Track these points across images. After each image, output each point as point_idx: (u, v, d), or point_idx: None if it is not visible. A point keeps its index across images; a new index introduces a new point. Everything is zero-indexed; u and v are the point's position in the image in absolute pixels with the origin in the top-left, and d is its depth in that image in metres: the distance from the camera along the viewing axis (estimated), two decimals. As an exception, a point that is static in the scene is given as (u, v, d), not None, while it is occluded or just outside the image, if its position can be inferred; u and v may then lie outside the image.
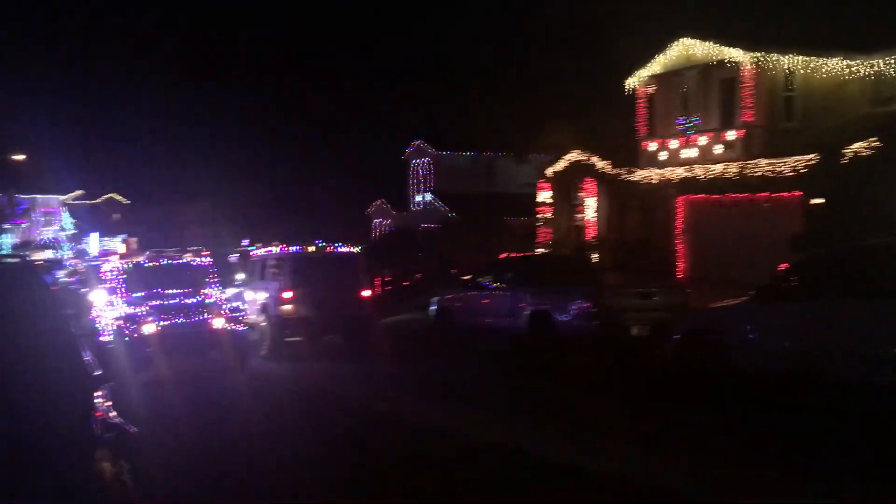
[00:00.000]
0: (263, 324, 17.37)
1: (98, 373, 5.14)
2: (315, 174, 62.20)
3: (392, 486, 7.47)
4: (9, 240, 52.43)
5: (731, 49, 23.38)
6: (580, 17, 31.47)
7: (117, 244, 51.14)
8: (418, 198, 46.88)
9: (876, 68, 23.03)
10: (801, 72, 23.39)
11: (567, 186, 30.82)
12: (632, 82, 26.47)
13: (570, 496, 7.04)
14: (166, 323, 14.15)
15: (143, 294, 14.80)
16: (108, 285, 15.67)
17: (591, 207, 29.50)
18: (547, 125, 29.88)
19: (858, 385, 9.16)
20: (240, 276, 19.73)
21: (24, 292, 5.50)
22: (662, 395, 11.41)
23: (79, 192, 61.56)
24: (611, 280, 23.30)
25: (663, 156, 25.44)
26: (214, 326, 14.53)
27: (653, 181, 25.80)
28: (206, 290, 15.38)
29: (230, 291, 17.69)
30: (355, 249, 18.90)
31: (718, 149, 23.76)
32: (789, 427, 9.19)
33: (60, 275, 30.11)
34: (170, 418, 10.64)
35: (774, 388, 10.26)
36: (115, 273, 15.56)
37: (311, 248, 18.06)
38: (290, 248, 17.94)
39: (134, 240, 50.78)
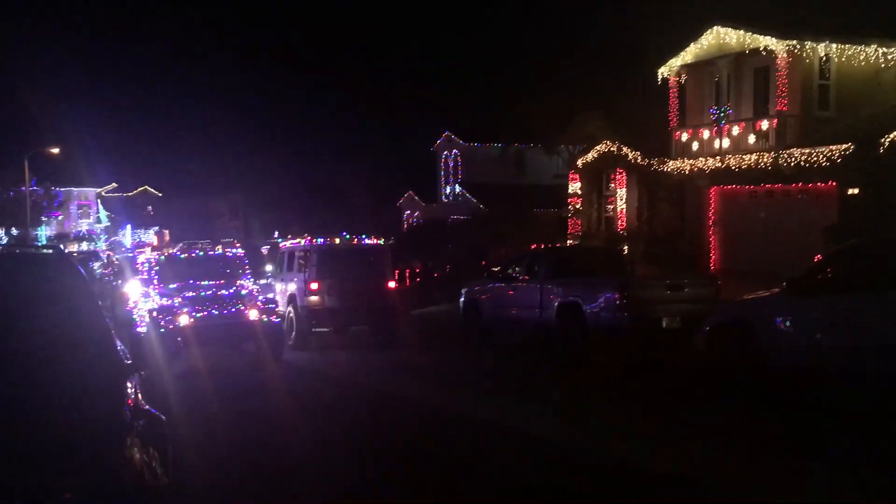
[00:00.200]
0: (291, 315, 17.55)
1: (129, 362, 5.23)
2: (346, 167, 62.52)
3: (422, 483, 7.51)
4: (45, 232, 53.35)
5: (765, 37, 23.03)
6: (611, 7, 31.21)
7: (151, 236, 51.81)
8: (447, 190, 46.88)
9: (914, 56, 22.58)
10: (837, 59, 22.98)
11: (597, 178, 30.63)
12: (663, 72, 26.20)
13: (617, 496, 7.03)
14: (201, 314, 14.15)
15: (177, 285, 14.84)
16: (142, 277, 15.87)
17: (621, 199, 29.31)
18: (577, 116, 29.65)
19: (892, 381, 8.99)
20: (268, 268, 19.95)
21: (59, 282, 5.59)
22: (692, 389, 11.33)
23: (113, 185, 62.37)
24: (641, 272, 23.15)
25: (695, 146, 25.16)
26: (249, 318, 14.48)
27: (685, 172, 25.55)
28: (240, 282, 15.42)
29: (261, 283, 17.88)
30: (380, 241, 19.03)
31: (751, 138, 23.45)
32: (810, 423, 9.07)
33: (96, 266, 30.58)
34: (203, 408, 10.76)
35: (804, 382, 10.12)
36: (149, 265, 15.74)
37: (337, 241, 18.19)
38: (317, 240, 18.08)
39: (167, 232, 51.40)
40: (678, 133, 25.89)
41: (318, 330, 17.81)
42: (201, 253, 15.95)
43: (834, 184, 21.51)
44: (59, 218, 56.41)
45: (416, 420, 10.10)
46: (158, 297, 14.72)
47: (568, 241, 30.70)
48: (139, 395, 5.02)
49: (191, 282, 15.00)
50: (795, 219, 22.68)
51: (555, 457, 8.02)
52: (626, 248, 27.23)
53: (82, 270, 6.08)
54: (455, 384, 12.88)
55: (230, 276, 15.54)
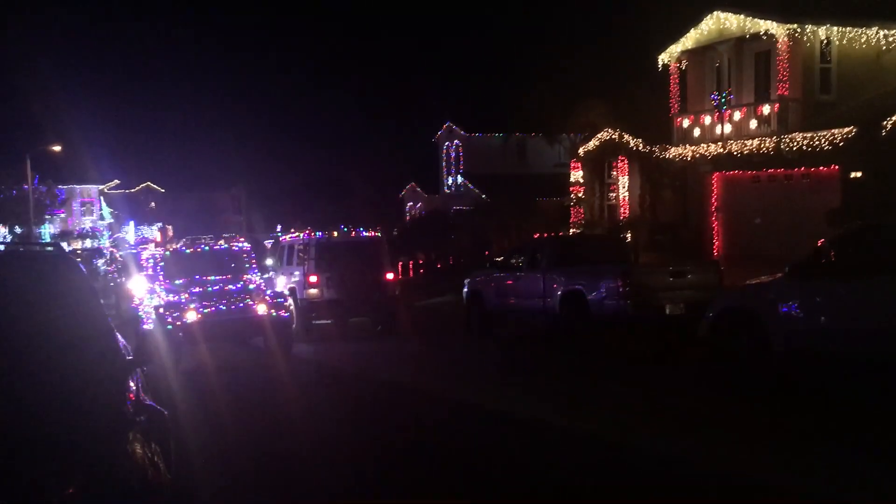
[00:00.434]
0: (291, 307, 17.63)
1: (130, 358, 5.24)
2: (348, 159, 62.60)
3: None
4: (49, 230, 53.44)
5: (766, 21, 22.92)
6: (610, -6, 31.00)
7: (154, 232, 51.86)
8: (450, 180, 46.84)
9: (916, 37, 22.45)
10: (838, 43, 22.87)
11: (599, 166, 30.58)
12: (664, 58, 26.10)
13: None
14: (209, 310, 13.87)
15: (183, 281, 14.63)
16: (147, 273, 15.79)
17: (623, 186, 29.26)
18: (578, 104, 29.59)
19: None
20: (268, 262, 20.03)
21: (59, 279, 5.60)
22: (697, 376, 11.33)
23: (116, 182, 62.36)
24: (644, 259, 23.12)
25: (697, 132, 25.08)
26: (258, 313, 14.15)
27: (687, 158, 25.48)
28: (247, 276, 15.23)
29: (264, 277, 17.91)
30: (378, 233, 19.19)
31: (753, 124, 23.36)
32: (815, 408, 9.07)
33: (99, 263, 30.65)
34: (210, 403, 10.77)
35: (807, 367, 10.11)
36: (154, 261, 15.66)
37: (336, 234, 18.34)
38: (315, 233, 18.20)
39: (170, 228, 51.45)
40: (679, 119, 25.81)
41: (318, 322, 17.90)
42: (206, 248, 15.75)
43: (836, 168, 21.43)
44: (63, 216, 56.46)
45: (428, 413, 10.03)
46: (165, 293, 14.53)
47: (571, 230, 30.67)
48: (140, 391, 5.03)
49: (197, 277, 14.76)
50: (798, 203, 22.61)
51: (563, 444, 8.03)
52: (628, 235, 27.21)
53: (83, 267, 6.09)
54: (463, 375, 12.88)
55: (237, 270, 15.34)
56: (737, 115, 23.91)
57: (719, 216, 25.48)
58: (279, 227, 47.02)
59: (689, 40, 25.37)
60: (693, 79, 25.95)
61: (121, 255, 26.33)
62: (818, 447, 7.49)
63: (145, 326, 13.96)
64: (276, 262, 19.75)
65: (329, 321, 18.15)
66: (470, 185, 43.70)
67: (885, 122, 20.07)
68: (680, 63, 25.98)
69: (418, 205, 50.58)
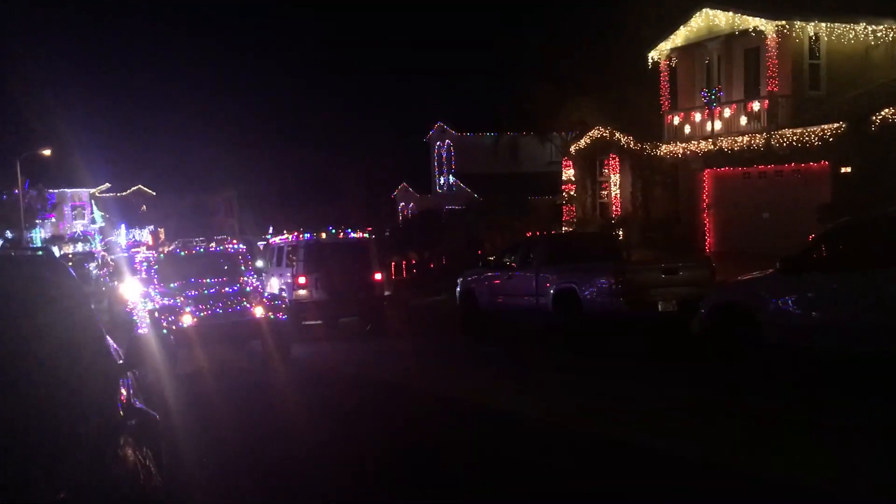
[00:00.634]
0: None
1: (122, 362, 5.22)
2: (340, 160, 62.44)
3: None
4: (40, 234, 53.27)
5: (755, 17, 22.99)
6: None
7: (145, 235, 51.72)
8: (442, 180, 46.85)
9: (904, 32, 22.55)
10: (826, 39, 22.95)
11: (591, 164, 30.63)
12: (654, 55, 26.16)
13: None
14: (205, 313, 13.63)
15: (178, 284, 14.37)
16: (140, 276, 15.65)
17: (615, 184, 29.31)
18: (569, 102, 29.62)
19: (888, 358, 9.01)
20: (259, 264, 20.01)
21: (49, 283, 5.58)
22: (691, 372, 11.36)
23: (106, 185, 62.15)
24: (637, 256, 23.16)
25: (687, 129, 25.15)
26: (255, 315, 13.91)
27: (678, 155, 25.54)
28: (243, 279, 14.98)
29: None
30: (366, 234, 19.26)
31: (743, 120, 23.43)
32: (806, 401, 9.10)
33: (91, 267, 30.56)
34: (206, 407, 10.72)
35: (799, 362, 10.15)
36: (147, 264, 15.55)
37: (324, 235, 18.38)
38: (304, 235, 18.24)
39: (162, 230, 51.33)
40: (670, 117, 25.87)
41: (308, 323, 17.89)
42: (201, 250, 15.54)
43: (826, 163, 21.52)
44: (53, 220, 56.27)
45: (425, 412, 9.98)
46: (160, 296, 14.27)
47: (563, 228, 30.71)
48: (132, 395, 5.01)
49: (192, 280, 14.52)
50: (789, 199, 22.70)
51: (553, 438, 8.04)
52: (621, 233, 27.26)
53: (73, 272, 6.06)
54: (458, 374, 12.89)
55: (232, 272, 15.07)
56: (727, 112, 23.98)
57: (711, 212, 25.55)
58: (271, 229, 46.94)
59: (679, 37, 25.43)
60: (683, 76, 26.02)
61: (112, 259, 26.26)
62: (812, 440, 7.51)
63: (140, 331, 13.71)
64: (266, 264, 19.81)
65: (318, 322, 18.19)
66: (462, 184, 43.72)
67: (874, 118, 20.16)
68: (670, 60, 26.04)
69: (410, 205, 50.57)
